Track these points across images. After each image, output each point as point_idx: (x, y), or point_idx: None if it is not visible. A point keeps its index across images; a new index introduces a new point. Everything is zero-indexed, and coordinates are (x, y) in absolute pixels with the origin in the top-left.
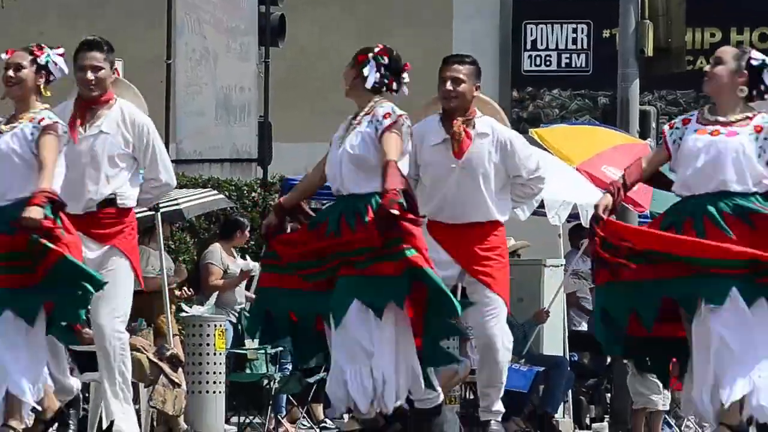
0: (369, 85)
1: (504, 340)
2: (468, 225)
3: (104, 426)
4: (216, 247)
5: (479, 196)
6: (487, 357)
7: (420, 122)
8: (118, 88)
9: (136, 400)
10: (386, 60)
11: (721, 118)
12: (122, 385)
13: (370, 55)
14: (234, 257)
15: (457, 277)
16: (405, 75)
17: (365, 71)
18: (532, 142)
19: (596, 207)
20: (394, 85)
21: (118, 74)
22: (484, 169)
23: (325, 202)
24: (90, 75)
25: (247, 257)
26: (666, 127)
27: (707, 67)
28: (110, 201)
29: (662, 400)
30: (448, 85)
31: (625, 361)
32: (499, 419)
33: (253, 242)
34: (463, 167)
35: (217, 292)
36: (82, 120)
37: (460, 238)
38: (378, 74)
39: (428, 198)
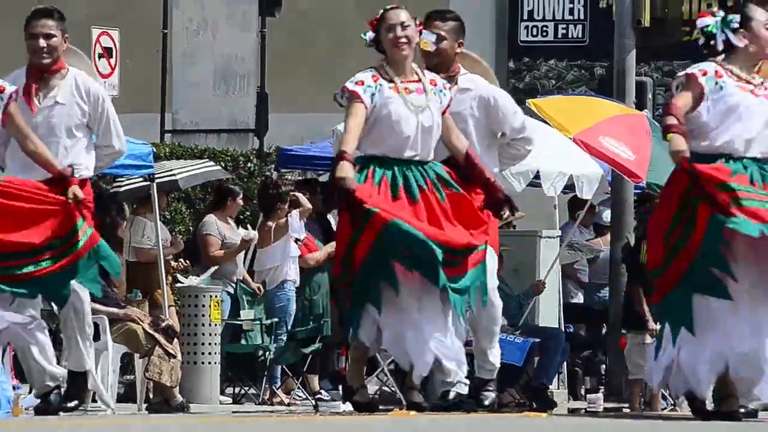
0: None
1: (494, 284)
2: None
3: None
4: (211, 218)
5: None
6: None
7: None
8: (69, 57)
9: (131, 371)
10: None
11: (749, 78)
12: (89, 337)
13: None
14: (231, 226)
15: None
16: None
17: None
18: (529, 112)
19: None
20: None
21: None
22: (465, 124)
23: (321, 172)
24: (42, 42)
25: (248, 227)
26: (697, 71)
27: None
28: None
29: None
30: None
31: (623, 332)
32: (494, 376)
33: (249, 212)
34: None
35: (216, 265)
36: (36, 90)
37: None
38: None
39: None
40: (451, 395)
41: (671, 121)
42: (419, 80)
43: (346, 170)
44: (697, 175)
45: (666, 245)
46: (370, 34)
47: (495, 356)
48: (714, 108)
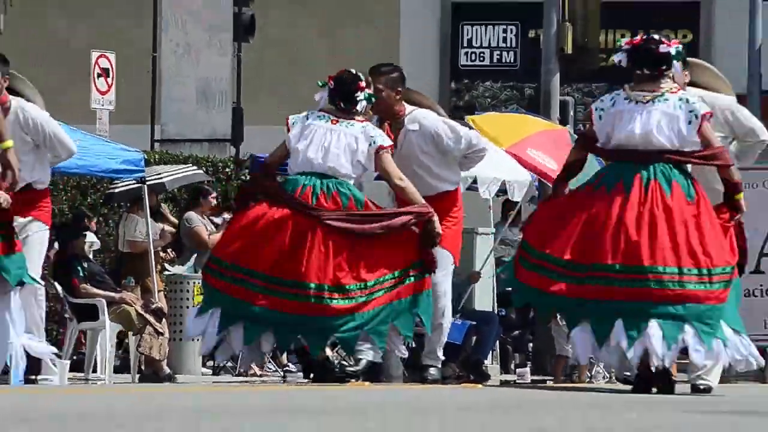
0: (321, 107)
1: (446, 286)
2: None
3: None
4: (192, 214)
5: (420, 180)
6: (433, 299)
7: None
8: (16, 82)
9: (126, 347)
10: (332, 85)
11: None
12: (40, 323)
13: (321, 83)
14: (207, 220)
15: None
16: (359, 94)
17: (316, 97)
18: (467, 126)
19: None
20: (342, 105)
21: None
22: (418, 161)
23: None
24: None
25: (225, 214)
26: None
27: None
28: (27, 185)
29: None
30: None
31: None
32: (439, 365)
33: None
34: (399, 161)
35: (194, 255)
36: None
37: None
38: (328, 98)
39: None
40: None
41: (738, 176)
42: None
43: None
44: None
45: None
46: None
47: (441, 350)
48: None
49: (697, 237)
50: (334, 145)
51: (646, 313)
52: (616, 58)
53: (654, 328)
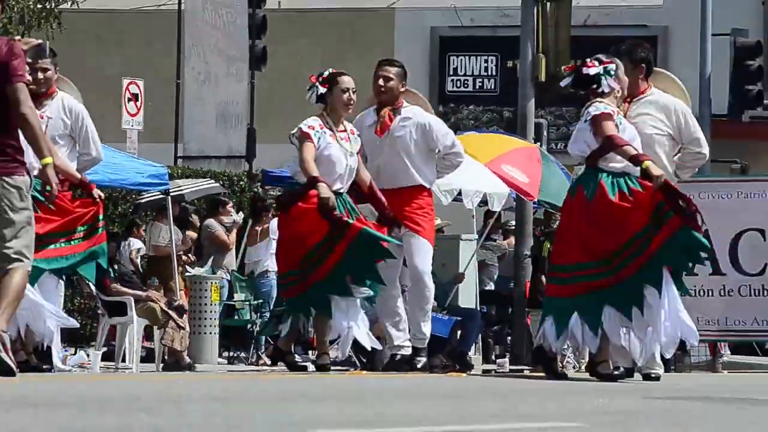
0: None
1: (428, 270)
2: (399, 189)
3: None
4: (211, 221)
5: (404, 166)
6: (416, 287)
7: (361, 113)
8: (61, 84)
9: (151, 338)
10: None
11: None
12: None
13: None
14: (223, 227)
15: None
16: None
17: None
18: None
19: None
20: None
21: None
22: (406, 145)
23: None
24: (39, 74)
25: (237, 212)
26: (610, 110)
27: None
28: None
29: None
30: (380, 82)
31: (527, 310)
32: (425, 345)
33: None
34: (389, 144)
35: (212, 256)
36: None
37: (394, 200)
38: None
39: (369, 168)
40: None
41: (633, 150)
42: (345, 130)
43: (327, 191)
44: (678, 194)
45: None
46: (321, 89)
47: (426, 328)
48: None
49: (601, 233)
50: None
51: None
52: (562, 83)
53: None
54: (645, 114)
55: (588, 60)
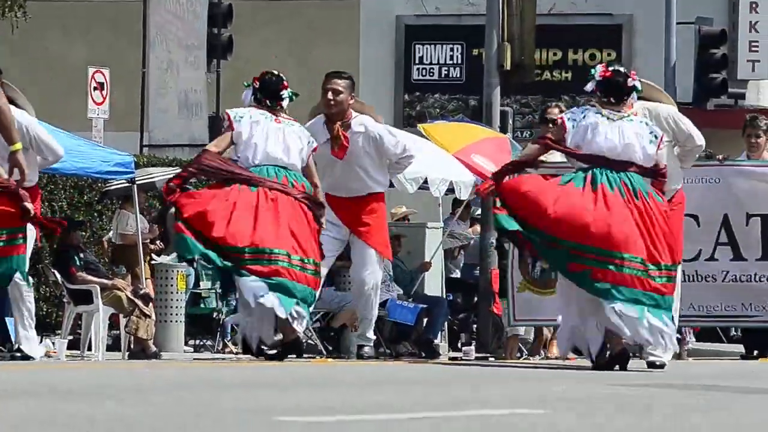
0: (245, 104)
1: (372, 283)
2: (353, 198)
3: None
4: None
5: (359, 180)
6: (358, 295)
7: (308, 123)
8: (8, 91)
9: (117, 327)
10: (257, 84)
11: None
12: (28, 318)
13: (246, 83)
14: None
15: (346, 235)
16: (284, 92)
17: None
18: (419, 134)
19: None
20: (268, 102)
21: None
22: (361, 161)
23: None
24: None
25: None
26: None
27: None
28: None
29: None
30: (330, 95)
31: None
32: (371, 344)
33: None
34: (344, 162)
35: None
36: None
37: (347, 208)
38: (252, 96)
39: (322, 178)
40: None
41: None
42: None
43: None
44: None
45: None
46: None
47: (371, 333)
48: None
49: (662, 235)
50: (291, 143)
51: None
52: (588, 87)
53: (619, 307)
54: None
55: (620, 68)
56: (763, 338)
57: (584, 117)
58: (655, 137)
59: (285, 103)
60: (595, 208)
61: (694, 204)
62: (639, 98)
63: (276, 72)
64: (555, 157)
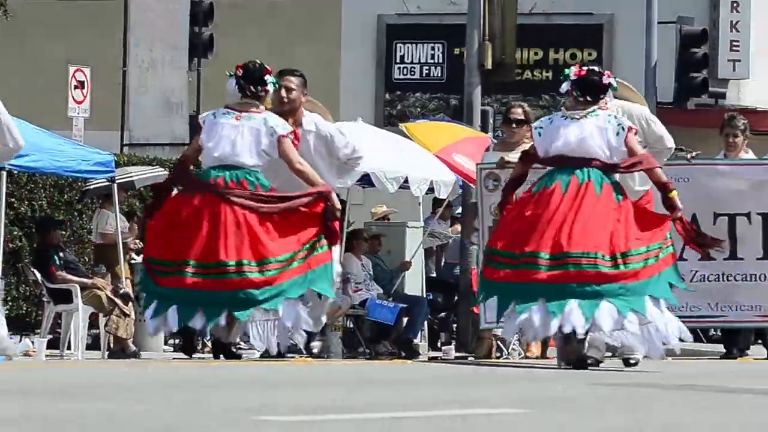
0: (230, 94)
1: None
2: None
3: None
4: None
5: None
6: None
7: None
8: None
9: (96, 326)
10: (240, 72)
11: None
12: None
13: (229, 73)
14: None
15: None
16: (268, 77)
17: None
18: (401, 133)
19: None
20: (252, 89)
21: None
22: (311, 159)
23: None
24: None
25: None
26: None
27: None
28: None
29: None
30: (283, 93)
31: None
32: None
33: None
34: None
35: None
36: None
37: None
38: (237, 85)
39: (273, 179)
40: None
41: (665, 177)
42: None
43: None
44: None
45: None
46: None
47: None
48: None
49: (614, 229)
50: (240, 141)
51: (567, 293)
52: (562, 88)
53: (573, 305)
54: None
55: (594, 67)
56: (743, 339)
57: (551, 122)
58: (623, 128)
59: (270, 89)
60: (532, 212)
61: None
62: (614, 97)
63: (259, 60)
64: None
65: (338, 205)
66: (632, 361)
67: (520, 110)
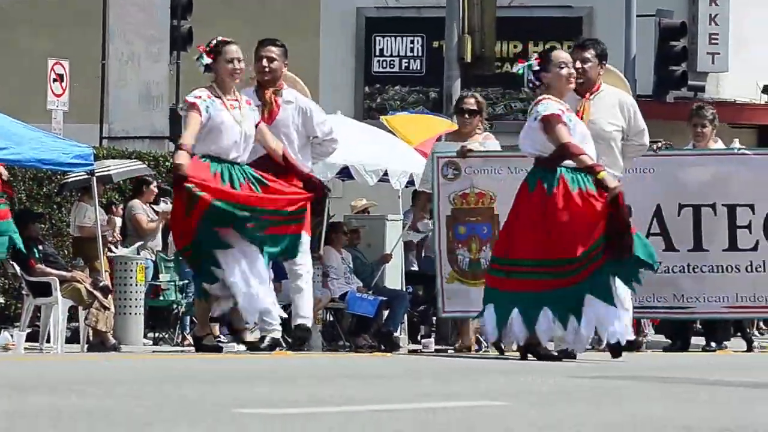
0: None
1: (307, 264)
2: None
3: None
4: (135, 202)
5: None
6: (293, 276)
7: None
8: None
9: (75, 319)
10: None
11: None
12: None
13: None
14: (149, 207)
15: None
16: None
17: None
18: (382, 126)
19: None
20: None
21: None
22: (288, 130)
23: None
24: None
25: (162, 202)
26: (559, 111)
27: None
28: None
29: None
30: (264, 62)
31: None
32: (309, 324)
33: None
34: (273, 128)
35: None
36: None
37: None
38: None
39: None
40: (266, 342)
41: (588, 161)
42: (237, 99)
43: (183, 158)
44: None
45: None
46: (206, 59)
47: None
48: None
49: (557, 230)
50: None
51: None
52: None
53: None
54: (603, 110)
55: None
56: (722, 332)
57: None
58: (535, 119)
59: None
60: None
61: (627, 194)
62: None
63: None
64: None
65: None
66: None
67: (473, 100)
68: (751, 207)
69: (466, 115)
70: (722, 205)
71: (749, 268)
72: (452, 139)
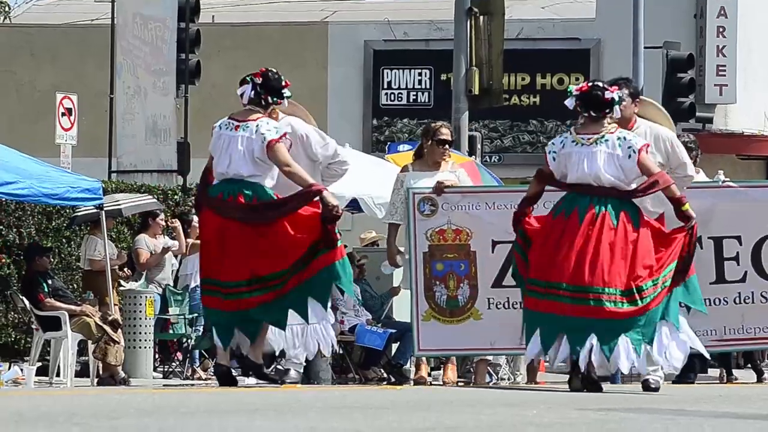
0: (245, 101)
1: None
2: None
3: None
4: (141, 236)
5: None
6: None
7: None
8: None
9: (85, 353)
10: (260, 80)
11: None
12: None
13: (248, 77)
14: (156, 240)
15: None
16: (285, 90)
17: (239, 91)
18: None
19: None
20: (270, 99)
21: None
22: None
23: None
24: None
25: (165, 237)
26: None
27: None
28: None
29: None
30: None
31: None
32: (300, 369)
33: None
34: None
35: (146, 271)
36: None
37: None
38: (253, 92)
39: None
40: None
41: (678, 192)
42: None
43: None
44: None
45: None
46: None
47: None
48: None
49: (631, 263)
50: (235, 153)
51: (588, 328)
52: (568, 103)
53: (593, 340)
54: None
55: (606, 84)
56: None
57: (563, 146)
58: (634, 151)
59: (285, 102)
60: (548, 241)
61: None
62: (639, 116)
63: (277, 71)
64: None
65: (334, 202)
66: (653, 386)
67: (448, 131)
68: (738, 238)
69: (445, 146)
70: (708, 237)
71: (737, 300)
72: (418, 168)
